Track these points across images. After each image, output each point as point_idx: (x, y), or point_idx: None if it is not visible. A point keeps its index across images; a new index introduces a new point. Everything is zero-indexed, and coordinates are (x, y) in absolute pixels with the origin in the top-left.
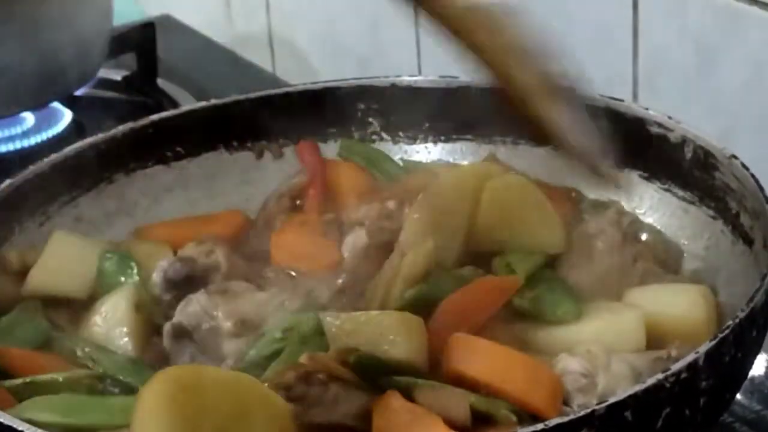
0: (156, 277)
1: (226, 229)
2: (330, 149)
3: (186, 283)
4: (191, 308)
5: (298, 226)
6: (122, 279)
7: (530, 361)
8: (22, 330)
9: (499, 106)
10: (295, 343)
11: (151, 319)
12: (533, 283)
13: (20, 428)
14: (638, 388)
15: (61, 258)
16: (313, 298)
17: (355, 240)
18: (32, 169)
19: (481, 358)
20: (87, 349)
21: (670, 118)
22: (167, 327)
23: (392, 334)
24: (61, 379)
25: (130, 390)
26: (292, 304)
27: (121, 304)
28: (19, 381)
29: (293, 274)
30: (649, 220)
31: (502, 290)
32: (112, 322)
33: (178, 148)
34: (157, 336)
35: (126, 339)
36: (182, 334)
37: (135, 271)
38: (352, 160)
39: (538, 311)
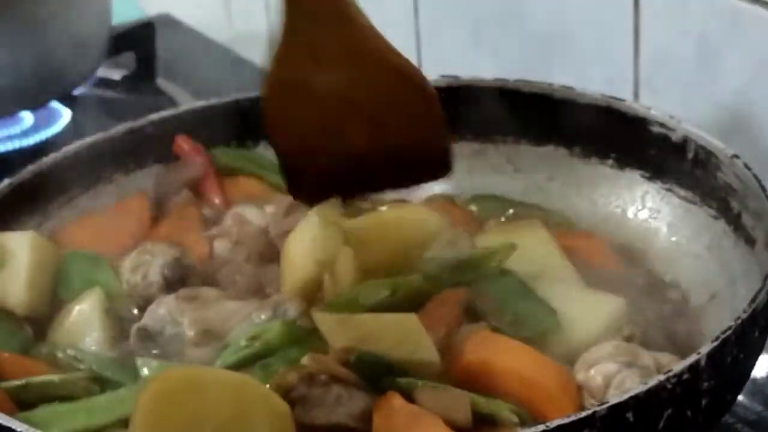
0: (153, 276)
1: (139, 223)
2: None
3: (180, 282)
4: (159, 312)
5: (177, 219)
6: (94, 279)
7: (550, 359)
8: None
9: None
10: (262, 351)
11: (120, 320)
12: (506, 303)
13: (19, 429)
14: (640, 389)
15: (19, 272)
16: (281, 312)
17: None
18: (31, 168)
19: (516, 351)
20: (69, 351)
21: (671, 117)
22: (134, 329)
23: (416, 336)
24: (56, 381)
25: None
26: (258, 316)
27: (91, 311)
28: (15, 383)
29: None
30: (650, 219)
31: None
32: (83, 329)
33: None
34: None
35: (99, 344)
36: (147, 337)
37: (107, 271)
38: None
39: (517, 332)
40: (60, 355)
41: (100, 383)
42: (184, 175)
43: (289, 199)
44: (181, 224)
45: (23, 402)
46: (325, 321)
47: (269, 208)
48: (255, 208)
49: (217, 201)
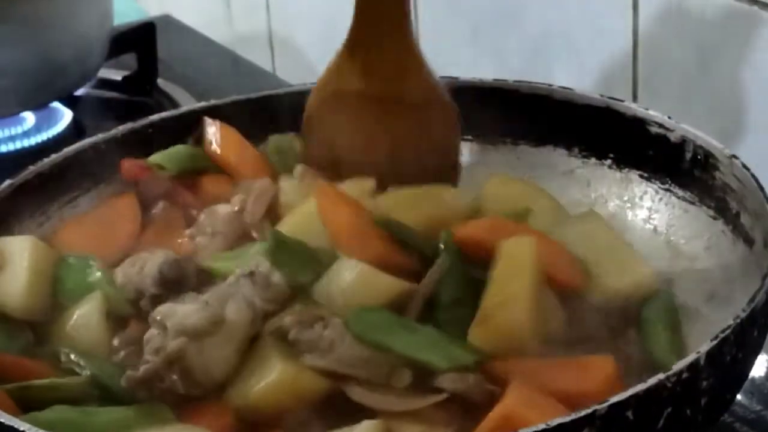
0: (150, 269)
1: (132, 224)
2: None
3: (175, 283)
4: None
5: (161, 226)
6: (88, 282)
7: None
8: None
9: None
10: None
11: (118, 323)
12: None
13: (21, 428)
14: (640, 387)
15: (19, 277)
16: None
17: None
18: (32, 169)
19: None
20: (73, 356)
21: (670, 118)
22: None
23: None
24: (58, 384)
25: (116, 396)
26: None
27: (91, 314)
28: (14, 385)
29: None
30: (649, 219)
31: None
32: (84, 332)
33: None
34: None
35: (99, 348)
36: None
37: (99, 273)
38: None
39: None
40: (63, 359)
41: (99, 388)
42: (156, 190)
43: (253, 184)
44: (166, 231)
45: (23, 404)
46: None
47: (235, 198)
48: (225, 204)
49: (194, 212)
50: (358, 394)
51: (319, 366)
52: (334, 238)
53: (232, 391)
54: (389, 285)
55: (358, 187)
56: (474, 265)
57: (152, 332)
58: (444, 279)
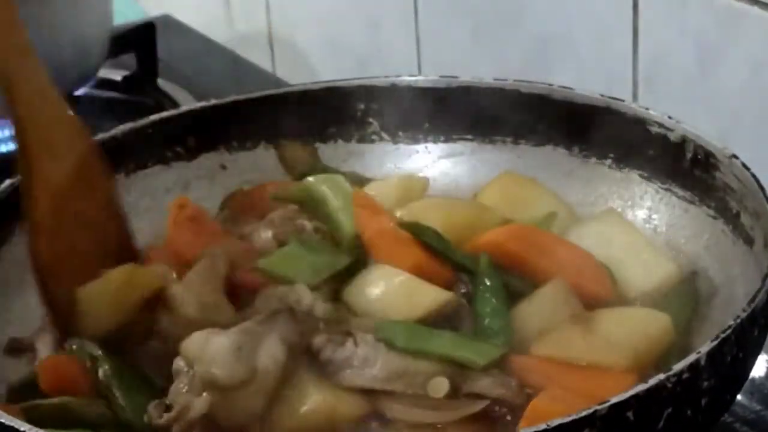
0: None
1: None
2: (329, 150)
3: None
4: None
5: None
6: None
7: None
8: None
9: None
10: None
11: None
12: None
13: (21, 429)
14: (640, 388)
15: None
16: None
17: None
18: None
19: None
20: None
21: (670, 117)
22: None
23: None
24: (66, 403)
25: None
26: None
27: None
28: (26, 404)
29: None
30: (649, 219)
31: None
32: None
33: (178, 148)
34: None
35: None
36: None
37: None
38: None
39: None
40: (72, 346)
41: (112, 409)
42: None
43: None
44: None
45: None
46: None
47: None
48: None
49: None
50: (397, 411)
51: (357, 385)
52: (370, 245)
53: (265, 422)
54: (431, 295)
55: (408, 183)
56: (500, 269)
57: (180, 366)
58: (481, 297)
